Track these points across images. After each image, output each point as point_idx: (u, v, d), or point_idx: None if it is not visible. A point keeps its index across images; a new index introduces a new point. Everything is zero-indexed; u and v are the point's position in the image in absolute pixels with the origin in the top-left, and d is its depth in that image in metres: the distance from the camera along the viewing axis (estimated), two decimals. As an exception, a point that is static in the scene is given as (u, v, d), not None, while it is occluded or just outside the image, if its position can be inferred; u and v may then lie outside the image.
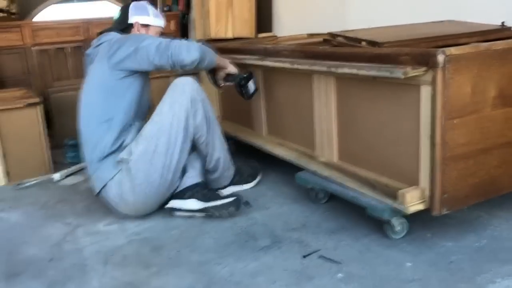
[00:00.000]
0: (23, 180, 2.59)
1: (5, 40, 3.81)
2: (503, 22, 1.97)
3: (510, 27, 1.97)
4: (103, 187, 2.01)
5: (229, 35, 3.79)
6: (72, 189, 2.48)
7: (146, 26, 2.19)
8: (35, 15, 4.24)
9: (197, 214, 2.03)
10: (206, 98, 2.08)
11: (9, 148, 2.58)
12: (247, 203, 2.10)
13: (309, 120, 2.13)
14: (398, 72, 1.51)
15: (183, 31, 4.52)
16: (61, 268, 1.68)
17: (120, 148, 2.01)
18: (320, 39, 2.48)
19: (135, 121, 2.08)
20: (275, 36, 3.56)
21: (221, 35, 3.77)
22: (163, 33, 2.25)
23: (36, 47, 3.87)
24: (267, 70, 2.40)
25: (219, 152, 2.15)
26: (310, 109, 2.10)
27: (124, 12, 2.20)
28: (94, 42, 2.15)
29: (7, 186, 2.58)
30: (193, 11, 4.39)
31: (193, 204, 2.01)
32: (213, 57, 2.09)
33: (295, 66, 2.04)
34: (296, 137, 2.28)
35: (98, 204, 2.23)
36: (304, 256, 1.63)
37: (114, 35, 2.12)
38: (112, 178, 1.97)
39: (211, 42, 3.64)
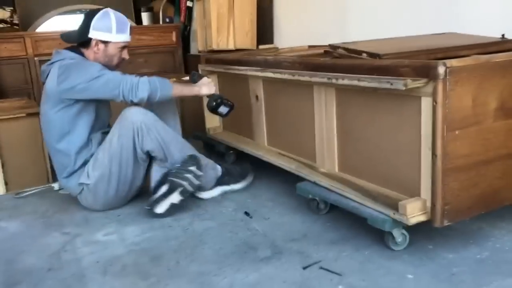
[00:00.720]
0: (22, 189, 2.58)
1: (7, 51, 3.84)
2: (503, 35, 1.98)
3: (510, 40, 1.97)
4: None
5: (231, 46, 3.81)
6: (71, 198, 2.45)
7: (105, 42, 2.13)
8: (37, 26, 4.26)
9: (173, 198, 2.09)
10: (156, 124, 2.10)
11: (9, 157, 2.57)
12: (247, 214, 2.10)
13: (310, 130, 2.13)
14: (399, 84, 1.52)
15: (184, 42, 4.55)
16: (60, 278, 1.66)
17: (81, 168, 2.17)
18: (321, 51, 2.49)
19: (93, 135, 2.18)
20: (276, 47, 3.58)
21: (223, 46, 3.79)
22: (126, 47, 2.20)
23: (38, 58, 3.90)
24: (268, 80, 2.40)
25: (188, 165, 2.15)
26: (311, 119, 2.10)
27: (86, 23, 2.11)
28: (52, 57, 2.17)
29: (6, 195, 2.56)
30: (195, 23, 4.42)
31: (163, 188, 2.11)
32: (166, 92, 2.10)
33: (296, 77, 2.05)
34: (297, 147, 2.28)
35: (97, 213, 2.22)
36: (305, 268, 1.62)
37: (66, 55, 2.13)
38: (79, 193, 2.21)
39: (212, 53, 3.67)
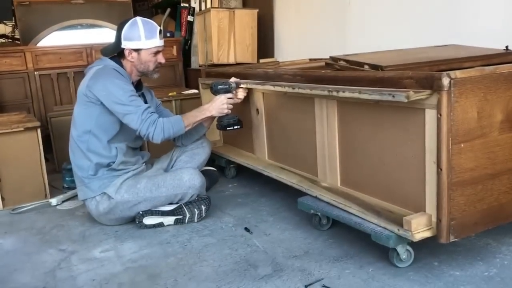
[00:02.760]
0: (19, 204, 2.54)
1: (8, 65, 3.83)
2: (507, 46, 1.96)
3: (514, 51, 1.95)
4: (84, 199, 2.23)
5: (231, 60, 3.80)
6: (69, 214, 2.43)
7: (137, 50, 2.17)
8: (38, 41, 4.26)
9: (167, 220, 2.17)
10: (204, 188, 2.25)
11: (6, 172, 2.54)
12: (247, 229, 2.05)
13: (311, 144, 2.09)
14: (401, 96, 1.48)
15: (185, 56, 4.55)
16: (54, 297, 1.62)
17: (98, 174, 2.15)
18: (322, 63, 2.47)
19: (117, 144, 2.16)
20: (277, 61, 3.56)
21: (223, 60, 3.78)
22: (160, 51, 2.22)
23: (38, 72, 3.89)
24: (268, 94, 2.38)
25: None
26: (312, 132, 2.06)
27: (118, 35, 2.18)
28: (95, 62, 2.24)
29: (3, 211, 2.52)
30: (195, 37, 4.42)
31: (165, 206, 2.18)
32: (179, 131, 2.17)
33: (296, 90, 2.01)
34: (298, 162, 2.24)
35: (94, 229, 2.18)
36: (307, 286, 1.57)
37: (106, 62, 2.20)
38: (94, 197, 2.16)
39: (213, 67, 3.65)
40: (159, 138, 2.09)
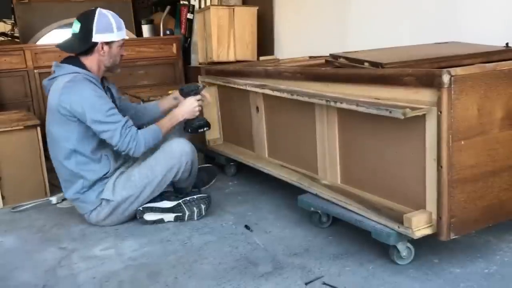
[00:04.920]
0: (19, 203, 2.53)
1: (7, 63, 3.81)
2: (507, 43, 1.95)
3: (514, 48, 1.94)
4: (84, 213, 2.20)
5: (231, 58, 3.79)
6: (69, 212, 2.42)
7: (109, 43, 2.08)
8: (38, 39, 4.26)
9: (167, 217, 2.16)
10: (195, 158, 2.27)
11: (6, 171, 2.53)
12: (247, 227, 2.05)
13: (311, 141, 2.09)
14: (398, 112, 1.48)
15: (184, 54, 4.54)
16: (54, 295, 1.62)
17: (97, 182, 2.12)
18: (322, 61, 2.46)
19: (106, 150, 2.12)
20: (277, 59, 3.56)
21: (223, 58, 3.77)
22: (123, 44, 2.15)
23: (38, 70, 3.88)
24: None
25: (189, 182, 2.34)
26: (312, 130, 2.06)
27: (87, 28, 2.03)
28: (53, 70, 2.11)
29: (3, 209, 2.52)
30: (195, 35, 4.41)
31: (165, 203, 2.17)
32: (157, 140, 2.13)
33: (295, 97, 2.01)
34: (298, 159, 2.23)
35: (95, 228, 2.18)
36: (307, 283, 1.57)
37: (69, 69, 2.05)
38: (92, 209, 2.14)
39: (212, 64, 3.65)
40: (140, 152, 2.06)
